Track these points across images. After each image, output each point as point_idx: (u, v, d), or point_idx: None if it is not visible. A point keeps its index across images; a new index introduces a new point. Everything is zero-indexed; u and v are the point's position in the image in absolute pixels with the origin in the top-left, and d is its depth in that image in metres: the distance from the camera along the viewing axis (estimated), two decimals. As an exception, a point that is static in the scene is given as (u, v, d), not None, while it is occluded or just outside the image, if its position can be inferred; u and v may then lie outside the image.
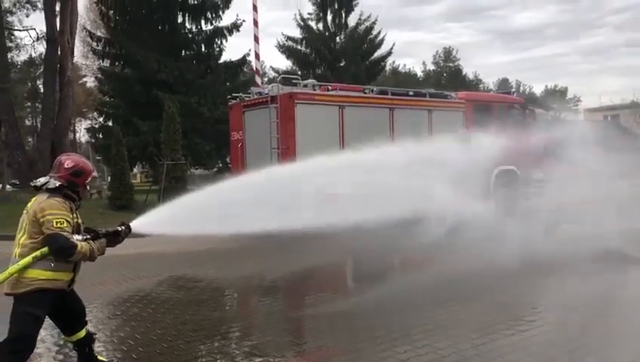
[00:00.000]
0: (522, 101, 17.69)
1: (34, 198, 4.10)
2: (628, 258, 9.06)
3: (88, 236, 4.20)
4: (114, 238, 4.38)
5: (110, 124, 26.91)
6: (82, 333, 4.37)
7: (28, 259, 3.90)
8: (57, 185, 4.06)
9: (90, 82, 45.47)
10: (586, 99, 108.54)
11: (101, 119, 29.12)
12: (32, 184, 4.21)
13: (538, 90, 75.72)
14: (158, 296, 7.77)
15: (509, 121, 16.07)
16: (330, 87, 13.57)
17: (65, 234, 3.93)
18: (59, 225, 3.91)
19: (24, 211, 4.11)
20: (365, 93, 13.84)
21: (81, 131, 55.34)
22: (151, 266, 10.12)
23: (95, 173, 4.45)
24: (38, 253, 3.92)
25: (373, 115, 13.25)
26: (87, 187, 4.42)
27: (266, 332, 5.90)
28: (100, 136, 27.21)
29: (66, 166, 4.15)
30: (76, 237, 4.07)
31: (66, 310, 4.28)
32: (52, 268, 4.00)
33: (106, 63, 28.47)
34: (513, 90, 66.18)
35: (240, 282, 8.74)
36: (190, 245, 12.39)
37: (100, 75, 30.50)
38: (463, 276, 7.95)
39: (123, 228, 4.45)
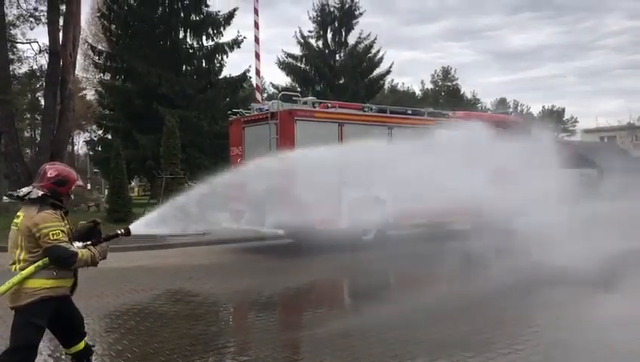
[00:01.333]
0: (519, 121, 17.82)
1: (21, 213, 4.08)
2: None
3: (88, 242, 4.23)
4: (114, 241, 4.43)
5: (109, 136, 27.08)
6: (81, 345, 4.38)
7: (30, 268, 3.93)
8: (40, 194, 4.05)
9: (89, 95, 45.65)
10: (583, 120, 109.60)
11: (100, 132, 29.22)
12: (14, 194, 4.20)
13: (536, 110, 76.17)
14: (155, 309, 7.76)
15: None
16: (329, 105, 13.69)
17: (63, 244, 3.96)
18: (55, 236, 3.94)
19: (13, 226, 4.09)
20: (364, 111, 13.97)
21: (79, 144, 55.49)
22: (148, 280, 10.10)
23: (79, 182, 4.39)
24: (40, 262, 3.96)
25: (371, 133, 13.33)
26: (72, 196, 4.40)
27: (263, 348, 5.90)
28: (99, 148, 27.28)
29: (49, 175, 4.14)
30: (76, 245, 4.11)
31: (64, 320, 4.29)
32: (55, 276, 4.03)
33: (107, 77, 28.68)
34: (511, 110, 66.62)
35: (237, 297, 8.73)
36: (187, 259, 12.42)
37: (100, 88, 30.66)
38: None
39: (122, 231, 4.49)
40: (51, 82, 20.05)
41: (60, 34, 19.95)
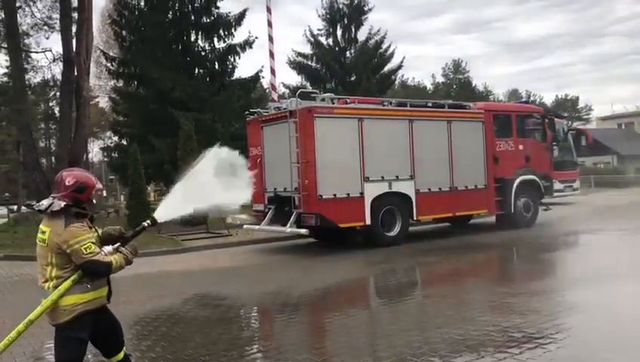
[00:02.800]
0: (541, 110, 17.52)
1: (46, 227, 3.91)
2: None
3: (117, 244, 4.10)
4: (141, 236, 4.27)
5: (124, 142, 27.07)
6: (121, 355, 4.25)
7: (67, 283, 3.81)
8: (62, 205, 3.87)
9: (102, 102, 45.90)
10: (598, 107, 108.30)
11: (116, 138, 29.22)
12: (35, 208, 4.05)
13: (548, 99, 75.37)
14: (184, 314, 7.65)
15: (528, 131, 15.99)
16: (348, 100, 13.51)
17: (97, 257, 3.83)
18: (88, 250, 3.80)
19: (40, 242, 3.93)
20: (384, 105, 13.77)
21: (94, 151, 55.87)
22: (173, 284, 10.01)
23: (99, 186, 4.18)
24: (75, 276, 3.83)
25: (392, 127, 13.15)
26: (94, 201, 4.17)
27: (299, 351, 5.75)
28: (115, 155, 27.28)
29: (67, 183, 3.95)
30: (106, 249, 3.97)
31: (104, 330, 4.17)
32: (90, 289, 3.92)
33: (120, 83, 28.69)
34: (531, 99, 65.96)
35: (265, 299, 8.58)
36: (211, 262, 12.33)
37: (114, 95, 30.70)
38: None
39: (149, 222, 4.32)
40: (66, 90, 20.09)
41: (74, 41, 19.96)
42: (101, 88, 43.06)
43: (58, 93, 31.37)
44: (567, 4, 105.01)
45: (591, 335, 5.74)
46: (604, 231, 14.27)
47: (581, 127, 43.83)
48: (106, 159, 31.31)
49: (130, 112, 27.28)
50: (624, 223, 15.42)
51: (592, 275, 8.76)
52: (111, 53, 29.20)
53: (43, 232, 3.92)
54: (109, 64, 27.40)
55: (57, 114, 31.36)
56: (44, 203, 3.93)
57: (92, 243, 3.85)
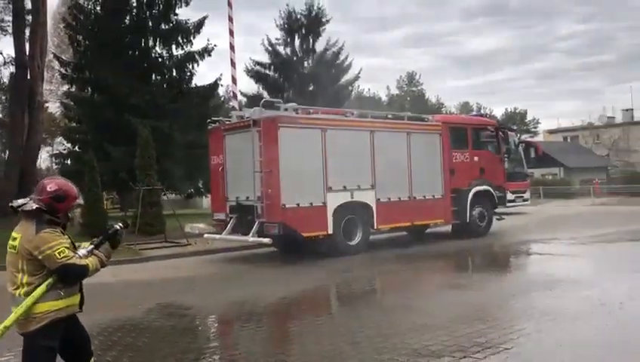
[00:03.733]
0: (495, 123, 18.12)
1: (17, 233, 3.85)
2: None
3: (91, 247, 4.06)
4: (115, 239, 4.22)
5: (77, 149, 26.39)
6: (89, 366, 4.21)
7: (42, 287, 3.75)
8: (34, 207, 3.84)
9: (53, 108, 44.53)
10: (545, 121, 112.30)
11: (69, 145, 28.44)
12: (10, 205, 3.98)
13: (498, 112, 77.50)
14: (149, 324, 7.57)
15: (483, 143, 16.54)
16: (311, 110, 13.66)
17: (71, 261, 3.80)
18: (62, 255, 3.76)
19: (9, 248, 3.87)
20: (346, 116, 13.98)
21: (41, 158, 54.05)
22: (135, 294, 9.86)
23: (80, 200, 4.13)
24: (50, 279, 3.79)
25: (354, 138, 13.36)
26: (69, 215, 4.14)
27: (268, 359, 5.80)
28: (68, 162, 26.55)
29: (48, 189, 3.92)
30: (81, 253, 3.94)
31: (73, 340, 4.11)
32: (63, 296, 3.87)
33: (73, 88, 27.98)
34: (482, 112, 67.74)
35: (232, 309, 8.56)
36: (172, 271, 12.19)
37: (66, 100, 29.90)
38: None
39: (120, 225, 4.28)
40: (19, 94, 19.46)
41: (27, 45, 19.42)
42: (52, 93, 41.80)
43: (4, 98, 30.37)
44: (513, 22, 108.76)
45: (549, 338, 6.00)
46: (556, 240, 14.85)
47: (530, 140, 45.41)
48: (56, 166, 30.39)
49: (83, 118, 26.64)
50: (573, 232, 16.10)
51: (546, 282, 9.14)
52: (64, 57, 28.52)
53: (14, 239, 3.86)
54: (62, 69, 26.77)
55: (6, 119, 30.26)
56: (19, 201, 3.90)
57: (66, 247, 3.81)
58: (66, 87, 31.38)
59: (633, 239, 14.75)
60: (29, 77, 19.08)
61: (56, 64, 30.92)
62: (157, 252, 14.62)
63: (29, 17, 20.04)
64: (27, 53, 19.17)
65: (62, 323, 3.89)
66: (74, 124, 28.86)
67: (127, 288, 10.50)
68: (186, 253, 14.69)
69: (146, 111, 24.10)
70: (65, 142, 31.60)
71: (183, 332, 7.12)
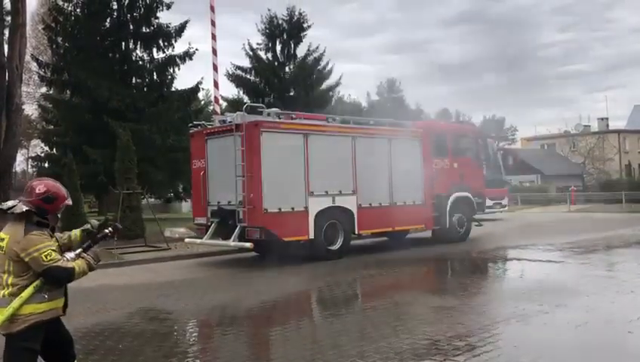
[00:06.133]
0: (475, 130, 18.38)
1: (5, 234, 3.87)
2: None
3: (79, 250, 4.06)
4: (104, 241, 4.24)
5: (55, 152, 26.08)
6: (72, 369, 4.21)
7: (30, 289, 3.76)
8: (24, 209, 3.85)
9: (29, 110, 43.87)
10: (522, 128, 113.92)
11: (46, 148, 28.07)
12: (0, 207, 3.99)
13: (476, 120, 78.40)
14: (131, 328, 7.52)
15: (463, 150, 16.77)
16: (294, 116, 13.72)
17: (57, 264, 3.80)
18: (48, 258, 3.77)
19: None
20: (329, 121, 14.07)
21: (17, 160, 53.11)
22: (116, 298, 9.77)
23: (69, 201, 4.16)
24: (37, 281, 3.79)
25: (336, 143, 13.46)
26: (59, 216, 4.15)
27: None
28: (46, 165, 26.19)
29: (37, 191, 3.93)
30: (68, 256, 3.94)
31: (55, 343, 4.11)
32: (47, 300, 3.87)
33: (51, 90, 27.65)
34: (460, 119, 68.41)
35: (213, 313, 8.55)
36: (152, 276, 12.11)
37: (44, 103, 29.54)
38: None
39: (110, 229, 4.29)
40: (-4, 96, 19.16)
41: (5, 47, 19.17)
42: (29, 95, 41.20)
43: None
44: (492, 30, 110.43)
45: (527, 341, 6.14)
46: (533, 246, 15.09)
47: (508, 147, 46.04)
48: (33, 169, 29.96)
49: (62, 121, 26.36)
50: (550, 239, 16.39)
51: (523, 287, 9.31)
52: (42, 59, 28.18)
53: (2, 239, 3.87)
54: (40, 70, 26.44)
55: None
56: (9, 203, 3.90)
57: (52, 250, 3.82)
58: (44, 89, 31.02)
59: (609, 246, 15.09)
60: (7, 79, 18.78)
61: (33, 66, 30.55)
62: (137, 256, 14.50)
63: (9, 18, 19.74)
64: (5, 54, 18.88)
65: (44, 326, 3.90)
66: (52, 127, 28.52)
67: (108, 292, 10.39)
68: (167, 257, 14.60)
69: (126, 114, 23.96)
70: (42, 145, 31.14)
71: (165, 336, 7.11)
